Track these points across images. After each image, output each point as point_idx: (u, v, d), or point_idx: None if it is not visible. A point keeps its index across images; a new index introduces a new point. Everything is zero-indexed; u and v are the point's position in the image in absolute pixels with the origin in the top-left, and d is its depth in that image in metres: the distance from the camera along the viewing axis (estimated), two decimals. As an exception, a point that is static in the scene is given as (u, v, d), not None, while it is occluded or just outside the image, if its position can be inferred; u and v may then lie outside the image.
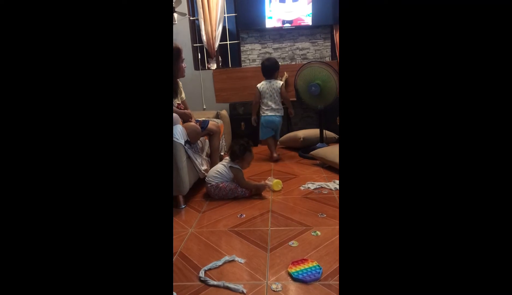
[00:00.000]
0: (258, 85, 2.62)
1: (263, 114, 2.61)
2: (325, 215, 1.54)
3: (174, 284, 1.07)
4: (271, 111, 2.58)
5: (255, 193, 1.87)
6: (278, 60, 3.25)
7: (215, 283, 1.06)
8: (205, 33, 3.17)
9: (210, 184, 1.86)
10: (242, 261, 1.19)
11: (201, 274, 1.11)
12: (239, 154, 1.87)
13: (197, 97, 3.36)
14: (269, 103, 2.58)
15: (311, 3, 3.05)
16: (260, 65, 3.30)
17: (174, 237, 1.41)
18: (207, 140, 2.15)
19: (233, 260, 1.19)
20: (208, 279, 1.08)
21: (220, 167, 1.90)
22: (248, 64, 3.37)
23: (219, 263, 1.17)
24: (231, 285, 1.04)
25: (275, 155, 2.60)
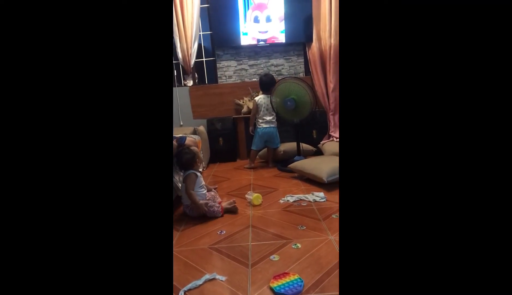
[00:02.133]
0: (256, 99, 2.83)
1: (259, 127, 2.81)
2: (305, 227, 1.56)
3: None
4: (266, 123, 2.80)
5: (227, 211, 1.82)
6: (253, 76, 3.34)
7: (196, 303, 1.03)
8: (181, 51, 3.19)
9: (185, 204, 1.82)
10: (223, 278, 1.16)
11: (181, 295, 1.07)
12: (191, 162, 1.81)
13: (174, 114, 3.33)
14: (265, 116, 2.79)
15: (283, 21, 3.17)
16: (237, 81, 3.36)
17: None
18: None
19: (213, 278, 1.17)
20: (188, 300, 1.05)
21: (182, 185, 1.83)
22: (225, 80, 3.40)
23: (199, 282, 1.14)
24: (212, 305, 1.01)
25: (270, 164, 2.87)
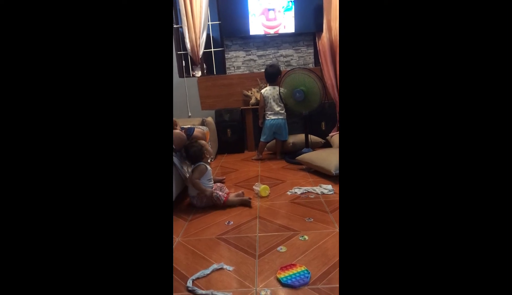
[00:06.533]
0: (262, 91, 2.80)
1: (267, 119, 2.80)
2: (312, 219, 1.56)
3: (161, 295, 1.05)
4: (274, 115, 2.78)
5: (241, 204, 1.82)
6: (262, 67, 3.30)
7: (204, 292, 1.04)
8: (189, 41, 3.17)
9: (191, 195, 1.84)
10: (231, 268, 1.18)
11: (189, 283, 1.09)
12: (198, 155, 1.84)
13: (182, 105, 3.34)
14: (273, 107, 2.77)
15: (293, 11, 3.11)
16: (245, 72, 3.34)
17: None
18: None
19: (221, 268, 1.18)
20: (196, 288, 1.06)
21: (190, 175, 1.85)
22: (233, 71, 3.38)
23: (207, 271, 1.16)
24: (220, 294, 1.03)
25: (278, 156, 2.86)
